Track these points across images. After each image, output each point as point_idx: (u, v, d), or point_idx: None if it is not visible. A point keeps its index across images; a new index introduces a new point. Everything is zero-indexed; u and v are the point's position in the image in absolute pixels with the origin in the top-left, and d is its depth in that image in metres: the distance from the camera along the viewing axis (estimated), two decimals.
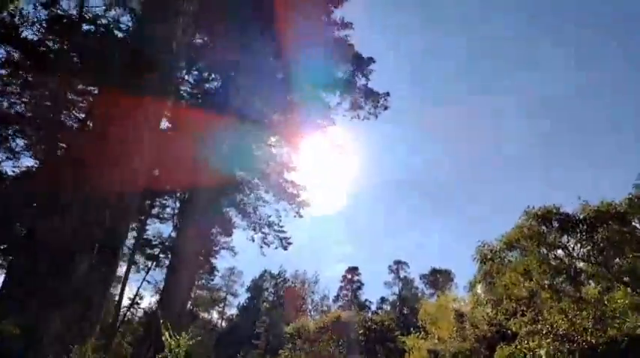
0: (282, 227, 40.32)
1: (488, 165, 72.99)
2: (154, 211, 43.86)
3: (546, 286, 13.41)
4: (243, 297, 59.07)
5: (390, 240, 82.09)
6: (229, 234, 45.53)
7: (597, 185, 58.15)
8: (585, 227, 12.88)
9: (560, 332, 12.22)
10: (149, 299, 43.12)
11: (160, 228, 46.47)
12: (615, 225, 12.45)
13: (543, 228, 13.44)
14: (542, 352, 12.16)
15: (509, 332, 16.04)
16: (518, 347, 13.43)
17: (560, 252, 13.76)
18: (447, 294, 27.09)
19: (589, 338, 11.49)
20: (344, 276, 64.58)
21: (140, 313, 44.39)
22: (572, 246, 13.49)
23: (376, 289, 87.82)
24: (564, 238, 13.67)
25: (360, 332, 27.91)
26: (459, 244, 72.19)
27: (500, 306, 14.08)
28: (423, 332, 23.06)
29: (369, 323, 29.39)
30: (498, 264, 13.50)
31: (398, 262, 64.14)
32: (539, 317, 13.50)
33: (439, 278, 59.55)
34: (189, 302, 53.78)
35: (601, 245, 12.69)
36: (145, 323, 39.03)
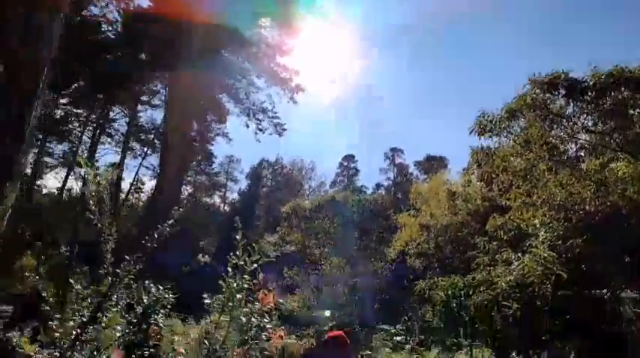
0: (275, 113, 39.46)
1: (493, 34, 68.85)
2: (144, 98, 42.73)
3: (546, 157, 12.92)
4: (243, 184, 60.36)
5: (387, 129, 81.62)
6: (223, 121, 44.84)
7: (612, 52, 55.00)
8: (594, 93, 12.00)
9: (557, 203, 12.00)
10: (150, 184, 43.91)
11: (152, 115, 45.39)
12: (627, 91, 11.58)
13: (548, 95, 12.57)
14: (537, 221, 12.05)
15: (502, 205, 16.02)
16: (511, 217, 13.37)
17: (564, 122, 13.07)
18: (439, 175, 27.08)
19: (587, 208, 11.26)
20: (340, 163, 65.40)
21: (144, 198, 45.45)
22: (577, 115, 12.76)
23: (372, 177, 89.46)
24: (570, 108, 12.89)
25: (354, 211, 28.51)
26: (456, 132, 71.68)
27: (495, 179, 13.73)
28: (415, 211, 23.40)
29: (364, 202, 29.94)
30: (497, 134, 12.85)
31: (394, 149, 64.45)
32: (536, 190, 13.25)
33: (434, 165, 60.11)
34: (190, 188, 54.81)
35: (608, 113, 11.93)
36: (145, 208, 40.07)
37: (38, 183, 36.91)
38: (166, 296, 4.04)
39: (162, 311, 4.06)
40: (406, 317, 12.88)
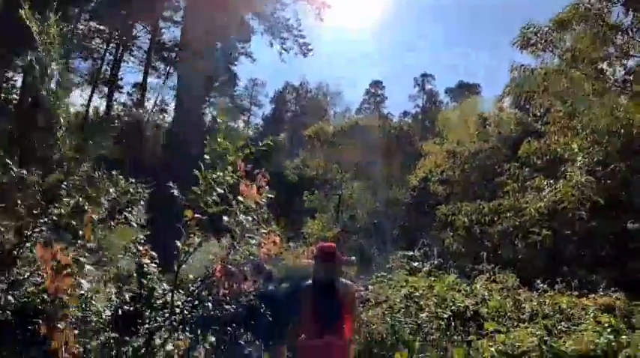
0: (301, 31, 37.46)
1: None
2: (167, 14, 41.11)
3: (592, 77, 11.61)
4: (267, 109, 59.42)
5: (418, 55, 77.84)
6: (247, 40, 43.15)
7: None
8: None
9: (601, 127, 10.89)
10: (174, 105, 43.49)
11: (175, 33, 43.97)
12: None
13: (605, 4, 11.03)
14: (575, 146, 11.04)
15: (537, 130, 14.91)
16: (547, 142, 12.34)
17: (619, 37, 11.57)
18: (469, 101, 25.53)
19: (636, 131, 10.14)
20: (367, 90, 63.27)
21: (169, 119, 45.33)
22: (635, 28, 11.23)
23: (399, 105, 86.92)
24: (628, 19, 11.34)
25: (379, 137, 27.58)
26: (492, 59, 67.80)
27: (533, 102, 12.53)
28: (441, 138, 22.37)
29: (389, 129, 28.90)
30: (542, 49, 11.50)
31: (424, 75, 61.67)
32: (577, 113, 12.08)
33: (465, 92, 57.61)
34: (213, 110, 54.31)
35: None
36: (168, 131, 39.96)
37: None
38: (140, 190, 3.37)
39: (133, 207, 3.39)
40: (424, 242, 12.44)
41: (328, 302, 3.60)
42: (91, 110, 38.12)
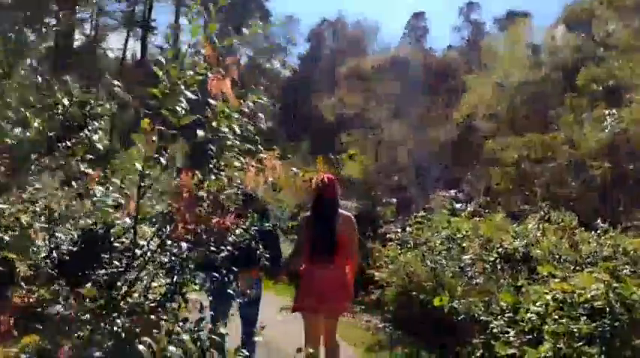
0: None
1: None
2: None
3: None
4: (303, 47, 57.50)
5: None
6: None
7: None
8: None
9: None
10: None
11: None
12: None
13: None
14: None
15: (597, 55, 13.40)
16: (609, 67, 11.02)
17: None
18: (517, 28, 23.37)
19: None
20: (408, 23, 59.86)
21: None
22: None
23: (442, 39, 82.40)
24: None
25: (420, 72, 26.15)
26: None
27: (596, 19, 11.09)
28: (488, 71, 20.81)
29: (431, 63, 27.30)
30: None
31: (469, 4, 57.45)
32: None
33: (515, 22, 53.58)
34: (249, 51, 53.22)
35: None
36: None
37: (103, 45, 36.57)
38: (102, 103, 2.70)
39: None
40: (469, 180, 11.76)
41: (326, 233, 3.66)
42: (128, 54, 38.07)
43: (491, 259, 5.64)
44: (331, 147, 26.52)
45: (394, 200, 12.88)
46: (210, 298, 3.00)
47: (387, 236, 7.31)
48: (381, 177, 19.83)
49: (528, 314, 3.49)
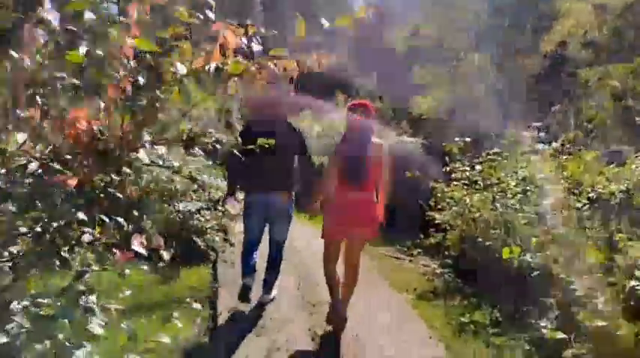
0: None
1: None
2: None
3: None
4: None
5: None
6: None
7: None
8: None
9: None
10: None
11: None
12: None
13: None
14: None
15: None
16: None
17: None
18: None
19: None
20: None
21: None
22: None
23: None
24: None
25: None
26: None
27: None
28: None
29: None
30: None
31: None
32: None
33: None
34: None
35: None
36: None
37: None
38: None
39: None
40: (556, 114, 10.25)
41: (357, 159, 3.64)
42: None
43: (579, 205, 4.66)
44: (403, 81, 24.93)
45: (467, 138, 11.70)
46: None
47: (453, 175, 6.41)
48: (455, 114, 18.34)
49: (632, 281, 2.61)
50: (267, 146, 3.28)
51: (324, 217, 3.90)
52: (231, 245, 5.64)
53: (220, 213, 5.72)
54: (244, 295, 4.07)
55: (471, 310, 4.68)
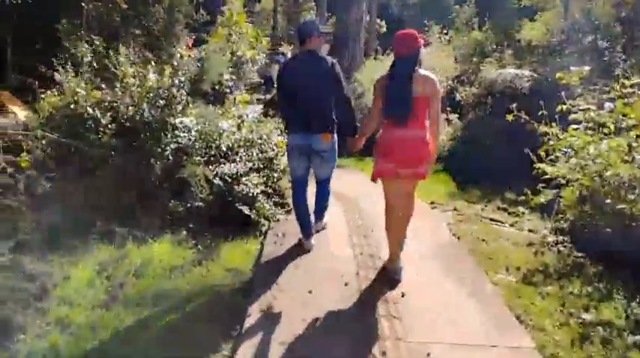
0: None
1: None
2: None
3: None
4: None
5: None
6: None
7: None
8: None
9: None
10: None
11: None
12: None
13: None
14: None
15: None
16: None
17: None
18: None
19: None
20: None
21: None
22: None
23: None
24: None
25: None
26: None
27: None
28: None
29: None
30: None
31: None
32: None
33: None
34: None
35: None
36: None
37: None
38: None
39: None
40: None
41: (401, 93, 3.44)
42: None
43: None
44: (506, 5, 21.85)
45: (586, 67, 9.61)
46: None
47: (571, 116, 4.92)
48: (570, 39, 15.55)
49: None
50: (300, 86, 3.78)
51: (375, 156, 3.71)
52: (288, 212, 4.89)
53: (275, 174, 4.97)
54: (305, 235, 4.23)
55: (597, 301, 3.47)
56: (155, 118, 4.46)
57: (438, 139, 3.72)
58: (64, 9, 6.91)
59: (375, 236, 4.51)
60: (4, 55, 9.95)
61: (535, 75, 9.97)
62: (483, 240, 4.87)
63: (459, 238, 4.89)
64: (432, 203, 6.55)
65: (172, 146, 4.50)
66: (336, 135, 4.12)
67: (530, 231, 5.27)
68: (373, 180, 3.73)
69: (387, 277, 3.74)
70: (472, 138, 9.39)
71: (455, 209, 6.23)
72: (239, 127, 5.23)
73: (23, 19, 8.81)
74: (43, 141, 4.20)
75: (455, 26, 18.98)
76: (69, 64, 4.67)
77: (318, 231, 4.48)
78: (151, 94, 4.59)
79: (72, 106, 4.37)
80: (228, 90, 5.14)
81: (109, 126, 4.45)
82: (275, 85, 4.52)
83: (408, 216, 3.77)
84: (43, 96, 4.61)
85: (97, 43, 5.52)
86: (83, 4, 5.69)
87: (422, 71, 3.52)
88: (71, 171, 4.20)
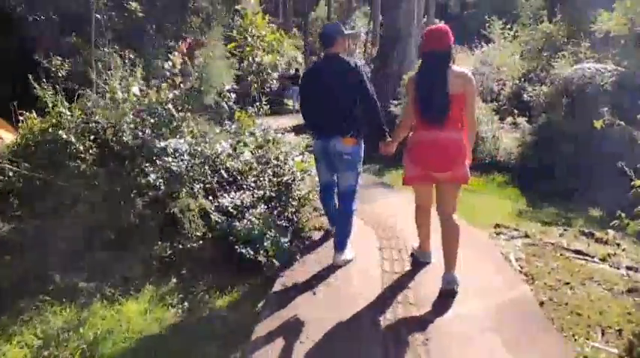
0: None
1: None
2: None
3: None
4: None
5: None
6: None
7: None
8: None
9: None
10: None
11: None
12: None
13: None
14: None
15: None
16: None
17: None
18: None
19: None
20: None
21: None
22: None
23: None
24: None
25: None
26: None
27: None
28: None
29: None
30: None
31: None
32: None
33: None
34: None
35: None
36: None
37: None
38: None
39: None
40: None
41: (435, 92, 3.18)
42: None
43: None
44: None
45: None
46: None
47: None
48: None
49: None
50: (323, 89, 3.68)
51: (404, 160, 3.49)
52: (307, 249, 3.95)
53: (293, 203, 4.09)
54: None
55: None
56: (137, 142, 3.74)
57: (473, 141, 3.44)
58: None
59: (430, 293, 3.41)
60: None
61: (620, 69, 8.47)
62: (567, 284, 3.70)
63: (532, 280, 3.75)
64: (496, 226, 5.39)
65: (160, 174, 3.70)
66: (362, 143, 3.89)
67: (629, 268, 4.01)
68: (405, 185, 3.57)
69: None
70: (545, 145, 8.12)
71: (526, 235, 5.04)
72: (245, 145, 4.41)
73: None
74: (10, 174, 3.59)
75: (520, 20, 17.37)
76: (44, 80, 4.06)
77: (338, 266, 3.83)
78: (131, 113, 3.86)
79: (50, 130, 3.75)
80: (232, 103, 4.38)
81: (90, 151, 3.77)
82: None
83: (455, 243, 3.37)
84: (22, 117, 4.05)
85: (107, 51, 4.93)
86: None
87: (456, 67, 3.27)
88: (40, 208, 3.54)
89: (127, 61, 4.51)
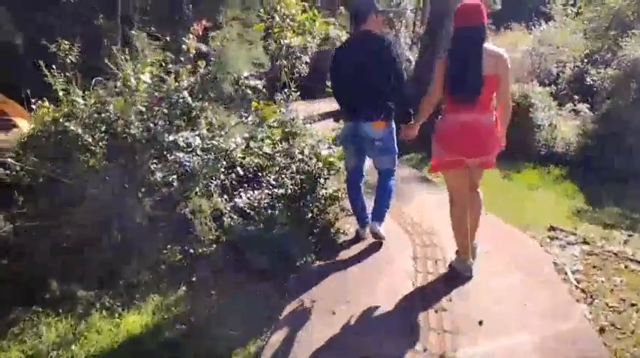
0: None
1: None
2: None
3: None
4: None
5: None
6: None
7: None
8: None
9: None
10: None
11: None
12: None
13: None
14: None
15: None
16: None
17: None
18: None
19: None
20: None
21: None
22: None
23: None
24: None
25: None
26: None
27: None
28: None
29: None
30: None
31: None
32: None
33: None
34: None
35: None
36: None
37: None
38: None
39: None
40: None
41: (467, 71, 3.02)
42: None
43: None
44: None
45: None
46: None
47: None
48: None
49: None
50: (354, 69, 3.59)
51: (433, 144, 3.31)
52: (331, 255, 3.52)
53: (318, 203, 3.69)
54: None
55: None
56: (145, 134, 3.43)
57: (506, 126, 3.26)
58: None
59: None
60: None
61: None
62: (633, 306, 3.13)
63: (591, 299, 3.20)
64: (550, 229, 4.78)
65: (171, 171, 3.40)
66: (393, 124, 3.78)
67: None
68: (433, 171, 3.47)
69: None
70: (610, 135, 7.41)
71: (584, 241, 4.42)
72: (265, 138, 4.04)
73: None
74: (17, 168, 3.41)
75: None
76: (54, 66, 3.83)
77: (376, 237, 3.84)
78: (140, 102, 3.55)
79: (61, 120, 3.53)
80: (249, 91, 4.01)
81: (100, 144, 3.51)
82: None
83: (478, 213, 3.40)
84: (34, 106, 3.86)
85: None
86: None
87: (490, 46, 3.09)
88: (44, 205, 3.34)
89: (157, 43, 4.26)
